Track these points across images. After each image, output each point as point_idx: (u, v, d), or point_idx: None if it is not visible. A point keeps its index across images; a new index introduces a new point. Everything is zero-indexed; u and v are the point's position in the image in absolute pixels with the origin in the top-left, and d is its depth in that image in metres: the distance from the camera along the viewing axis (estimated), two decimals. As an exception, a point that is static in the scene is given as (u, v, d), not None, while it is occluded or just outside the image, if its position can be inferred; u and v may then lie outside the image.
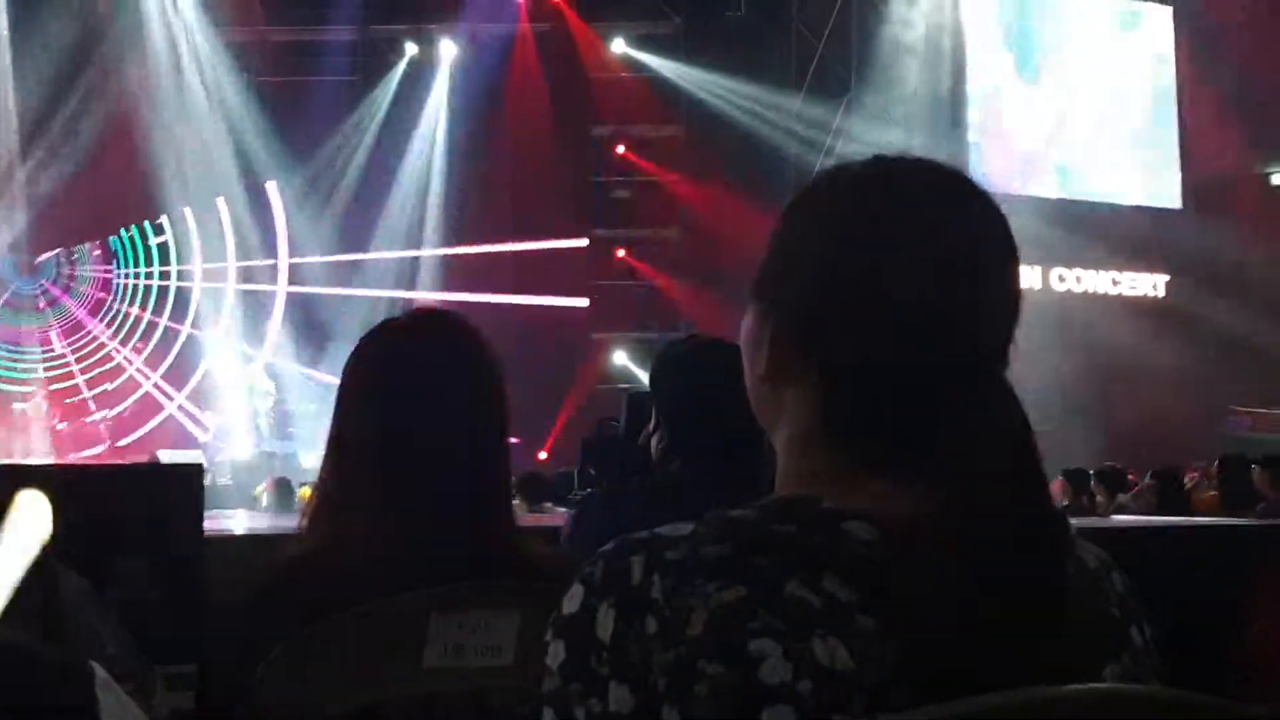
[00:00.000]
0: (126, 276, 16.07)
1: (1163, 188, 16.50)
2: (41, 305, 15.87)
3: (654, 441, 2.30)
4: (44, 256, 15.85)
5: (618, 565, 0.92)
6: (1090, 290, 15.86)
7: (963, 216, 1.00)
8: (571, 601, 0.93)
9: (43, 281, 15.89)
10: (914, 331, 0.96)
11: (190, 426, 15.31)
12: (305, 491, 9.57)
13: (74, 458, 14.14)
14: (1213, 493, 7.65)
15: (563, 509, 6.32)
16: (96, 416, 15.20)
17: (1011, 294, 1.01)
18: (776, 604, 0.88)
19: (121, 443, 14.98)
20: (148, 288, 16.01)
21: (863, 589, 0.89)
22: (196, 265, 15.91)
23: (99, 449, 14.69)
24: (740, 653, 0.86)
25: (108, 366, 15.75)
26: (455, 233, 15.78)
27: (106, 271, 16.06)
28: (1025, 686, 0.85)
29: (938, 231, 0.98)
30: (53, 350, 15.77)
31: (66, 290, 16.03)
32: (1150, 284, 16.05)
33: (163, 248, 15.93)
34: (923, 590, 0.89)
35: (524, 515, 1.69)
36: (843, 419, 0.98)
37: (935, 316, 0.96)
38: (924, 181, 1.02)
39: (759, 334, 1.04)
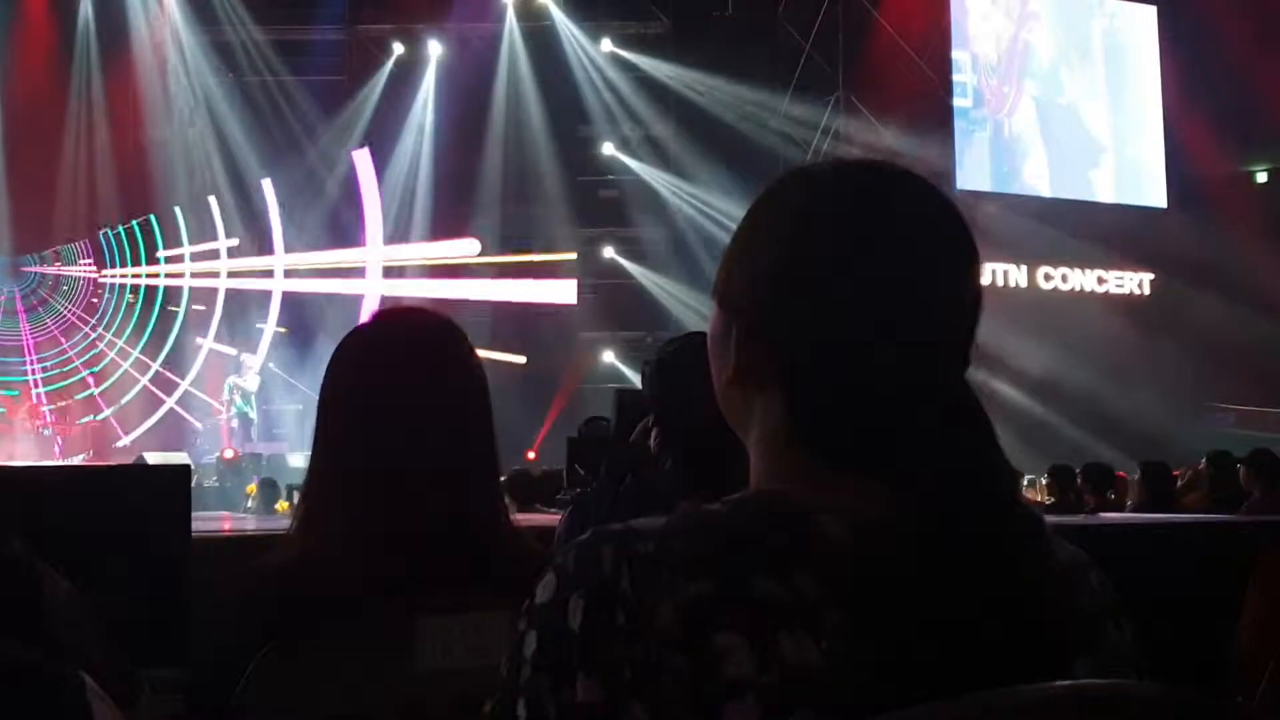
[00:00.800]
0: (115, 276, 16.02)
1: (1148, 186, 16.56)
2: (33, 305, 15.82)
3: (652, 440, 2.30)
4: (29, 257, 15.80)
5: (589, 556, 0.93)
6: (1076, 288, 15.91)
7: (921, 219, 1.01)
8: (544, 590, 0.93)
9: (31, 282, 15.85)
10: (876, 333, 0.97)
11: (188, 420, 15.31)
12: (283, 505, 9.58)
13: (66, 460, 14.09)
14: (1198, 491, 7.67)
15: (552, 509, 6.32)
16: (88, 419, 15.15)
17: (971, 295, 1.02)
18: (744, 599, 0.88)
19: (119, 443, 14.95)
20: (135, 287, 15.96)
21: (832, 585, 0.89)
22: (185, 265, 15.87)
23: (88, 454, 14.65)
24: (705, 646, 0.87)
25: (98, 368, 15.70)
26: (443, 232, 15.75)
27: (95, 271, 16.02)
28: (994, 682, 0.86)
29: (896, 234, 0.99)
30: (44, 353, 15.72)
31: (54, 290, 15.98)
32: (1136, 282, 16.11)
33: (150, 247, 15.88)
34: (892, 586, 0.90)
35: (515, 515, 1.68)
36: (809, 420, 0.99)
37: (896, 318, 0.97)
38: (884, 185, 1.03)
39: (725, 336, 1.04)
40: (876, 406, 0.97)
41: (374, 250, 15.86)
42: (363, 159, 15.82)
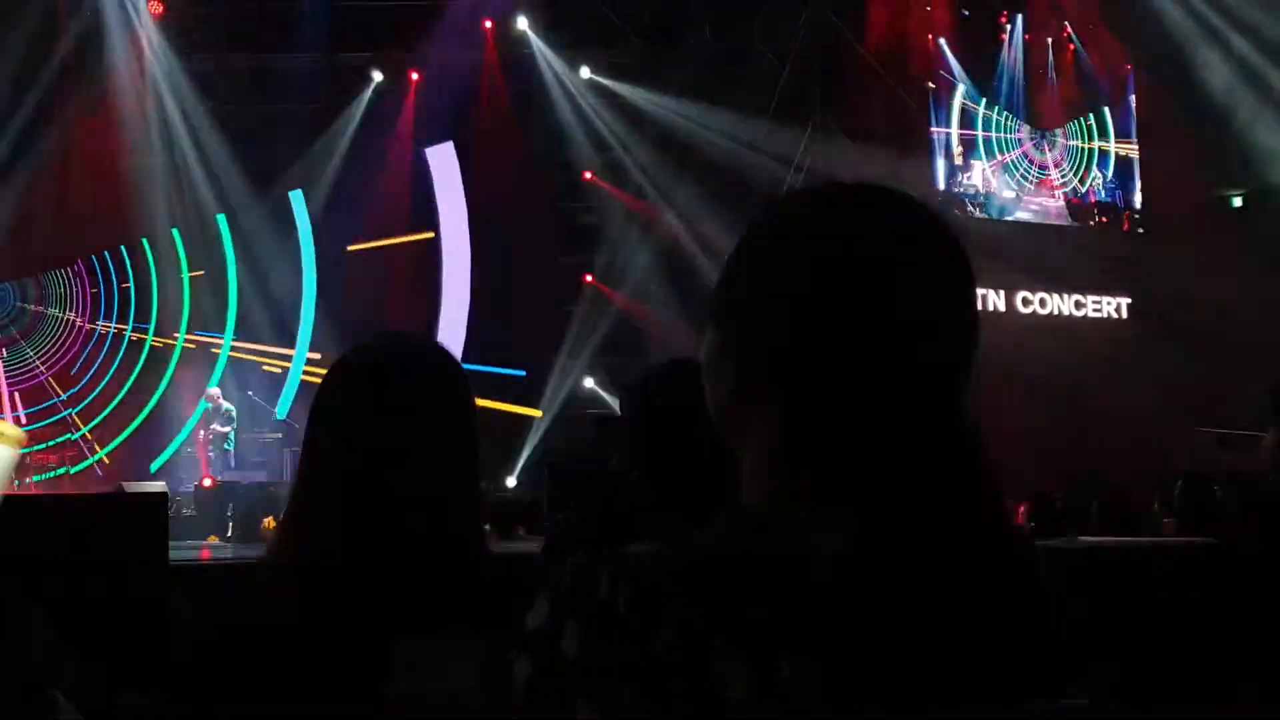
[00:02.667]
0: (82, 305, 16.00)
1: (1124, 210, 16.67)
2: (3, 327, 15.77)
3: (634, 466, 2.29)
4: (5, 286, 15.75)
5: (584, 581, 0.92)
6: (1054, 312, 15.99)
7: (919, 241, 1.02)
8: (537, 616, 0.93)
9: (9, 307, 15.80)
10: (871, 355, 0.97)
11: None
12: (270, 523, 9.56)
13: (49, 477, 14.03)
14: (1169, 519, 7.69)
15: (533, 535, 6.31)
16: (64, 439, 15.07)
17: (968, 315, 1.02)
18: (741, 621, 0.88)
19: (77, 467, 14.86)
20: (106, 314, 15.91)
21: (828, 606, 0.89)
22: (162, 292, 15.82)
23: (76, 468, 14.59)
24: (704, 671, 0.87)
25: (75, 377, 15.65)
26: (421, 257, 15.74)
27: (80, 290, 16.01)
28: (986, 702, 0.86)
29: (892, 256, 1.00)
30: (16, 381, 15.65)
31: (38, 316, 15.93)
32: (1113, 306, 16.20)
33: (122, 279, 15.85)
34: (885, 609, 0.90)
35: (496, 543, 1.69)
36: (806, 441, 0.99)
37: (892, 340, 0.97)
38: (878, 206, 1.03)
39: (720, 358, 1.05)
40: (873, 428, 0.97)
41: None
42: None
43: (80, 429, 15.29)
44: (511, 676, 0.92)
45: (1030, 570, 0.97)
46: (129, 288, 15.84)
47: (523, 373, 15.17)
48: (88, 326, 15.90)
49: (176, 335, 15.78)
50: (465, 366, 1.81)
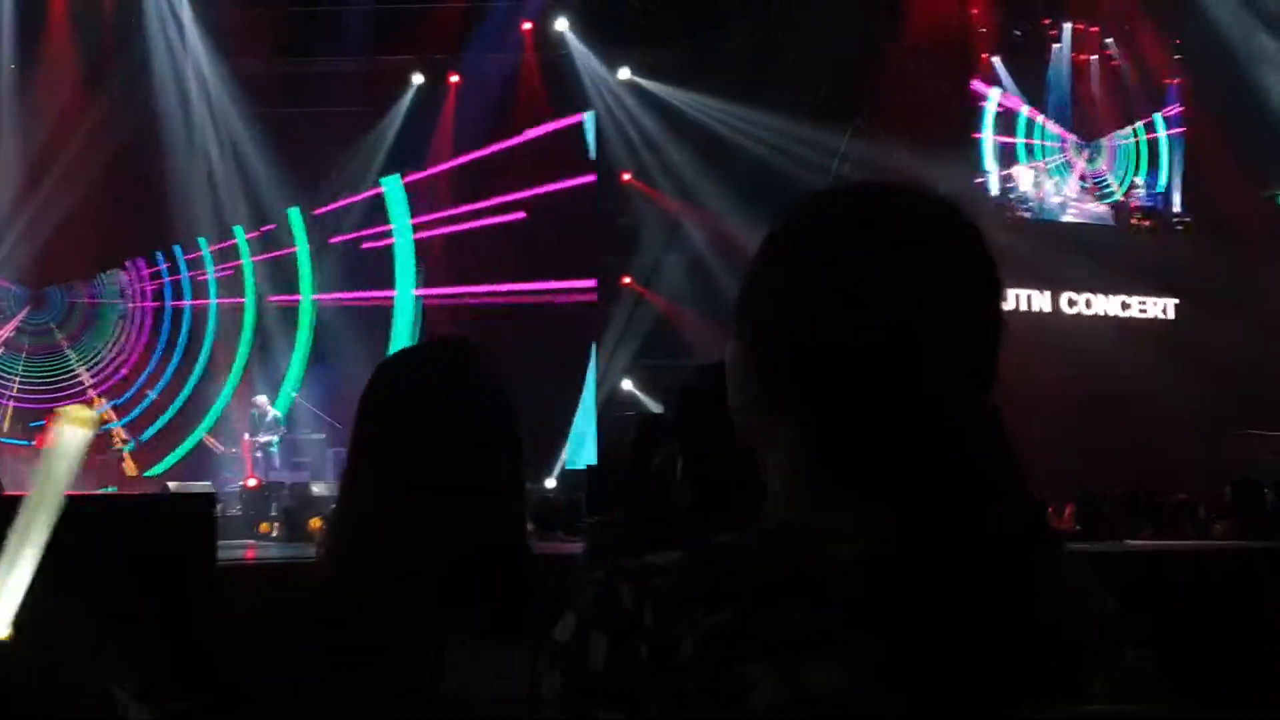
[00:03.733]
0: (141, 303, 16.19)
1: (1170, 212, 16.51)
2: (58, 339, 15.99)
3: (678, 467, 2.29)
4: (53, 289, 15.96)
5: (608, 593, 0.92)
6: (1100, 313, 15.85)
7: (944, 244, 1.01)
8: (563, 630, 0.93)
9: (56, 312, 16.02)
10: (896, 359, 0.96)
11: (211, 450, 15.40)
12: (316, 522, 9.64)
13: (93, 490, 14.16)
14: (1224, 522, 7.62)
15: (573, 537, 6.32)
16: (116, 448, 15.24)
17: (994, 321, 1.01)
18: (766, 628, 0.88)
19: (148, 473, 15.03)
20: (159, 313, 16.10)
21: (852, 610, 0.89)
22: (210, 296, 15.99)
23: (113, 487, 14.74)
24: (730, 678, 0.87)
25: (126, 397, 15.84)
26: (463, 261, 15.81)
27: (119, 301, 16.19)
28: (1012, 703, 0.86)
29: (919, 260, 0.98)
30: (74, 376, 15.88)
31: (74, 307, 16.14)
32: (1160, 308, 16.03)
33: (175, 281, 16.04)
34: (910, 610, 0.89)
35: (537, 544, 1.70)
36: (830, 445, 0.98)
37: (917, 343, 0.96)
38: (906, 209, 1.03)
39: (745, 362, 1.04)
40: (897, 432, 0.96)
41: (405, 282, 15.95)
42: (393, 186, 15.93)
43: (131, 441, 15.49)
44: (543, 689, 0.92)
45: (1060, 573, 0.97)
46: (182, 286, 16.04)
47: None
48: (141, 306, 16.12)
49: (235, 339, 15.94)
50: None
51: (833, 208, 1.05)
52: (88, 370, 15.86)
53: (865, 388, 0.97)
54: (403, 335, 15.60)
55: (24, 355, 15.68)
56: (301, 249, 15.90)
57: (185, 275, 15.98)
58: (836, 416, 0.98)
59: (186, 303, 16.00)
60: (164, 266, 15.99)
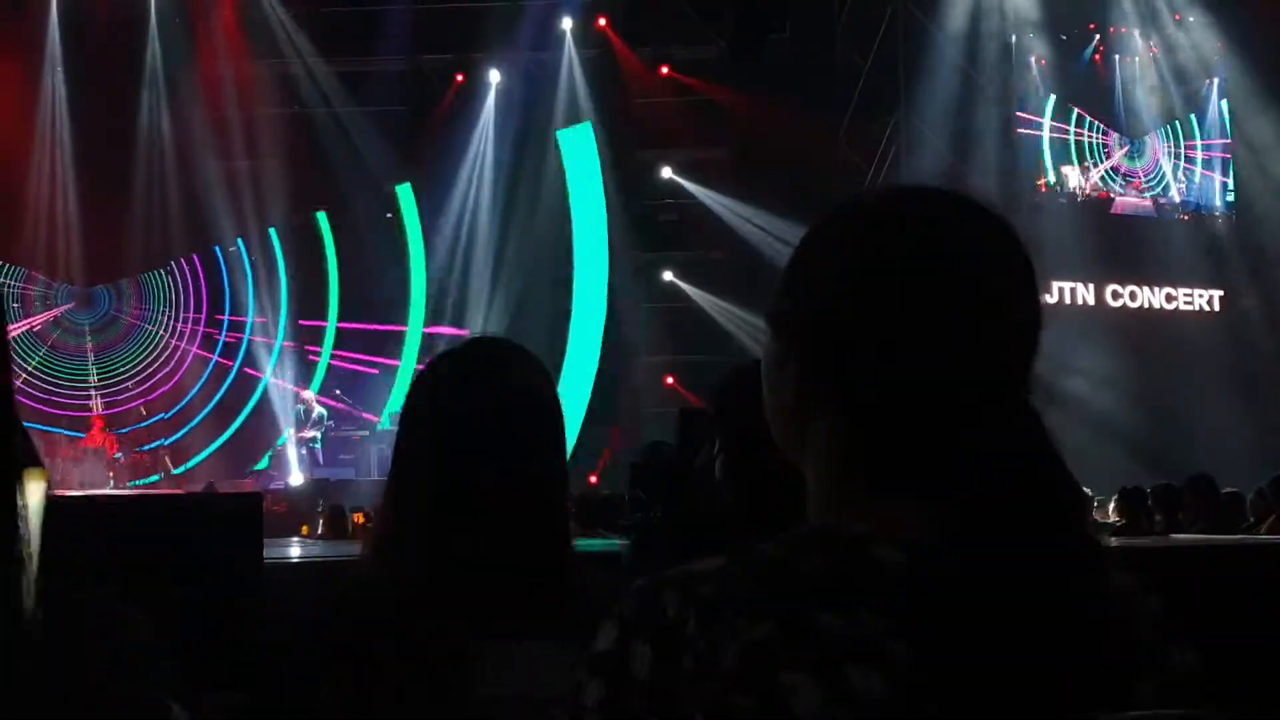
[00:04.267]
0: (179, 308, 16.34)
1: (1217, 202, 16.32)
2: (86, 344, 16.16)
3: (718, 466, 2.29)
4: (102, 288, 16.15)
5: (651, 602, 0.92)
6: (1145, 305, 15.68)
7: (979, 245, 1.01)
8: (605, 639, 0.93)
9: (102, 312, 16.19)
10: (936, 360, 0.96)
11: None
12: (359, 518, 9.69)
13: (132, 487, 14.29)
14: (1269, 517, 7.53)
15: (613, 534, 6.33)
16: (157, 444, 15.38)
17: (1031, 317, 1.01)
18: (808, 635, 0.89)
19: (178, 470, 15.15)
20: (197, 318, 16.25)
21: (895, 615, 0.90)
22: (249, 297, 16.12)
23: (156, 478, 14.87)
24: (772, 685, 0.87)
25: (165, 390, 15.99)
26: (504, 257, 15.86)
27: (143, 309, 16.36)
28: (1058, 707, 0.86)
29: (954, 263, 0.99)
30: (108, 380, 16.04)
31: (115, 320, 16.31)
32: (1205, 299, 15.85)
33: (214, 282, 16.18)
34: (954, 614, 0.89)
35: (577, 538, 1.72)
36: (871, 447, 0.99)
37: (956, 344, 0.97)
38: (940, 210, 1.03)
39: (782, 365, 1.04)
40: (937, 433, 0.97)
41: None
42: (405, 194, 15.96)
43: (171, 436, 15.62)
44: (583, 698, 0.92)
45: (1104, 575, 0.96)
46: (222, 289, 16.16)
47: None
48: (182, 329, 16.22)
49: (273, 337, 16.05)
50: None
51: (868, 210, 1.05)
52: (99, 388, 15.95)
53: (905, 389, 0.97)
54: (414, 344, 15.67)
55: (46, 347, 15.84)
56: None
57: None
58: (877, 418, 0.98)
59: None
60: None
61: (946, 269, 0.98)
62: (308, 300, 16.03)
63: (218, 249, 16.01)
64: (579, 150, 15.75)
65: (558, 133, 15.74)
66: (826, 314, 1.01)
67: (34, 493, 1.00)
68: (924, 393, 0.97)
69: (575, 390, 14.66)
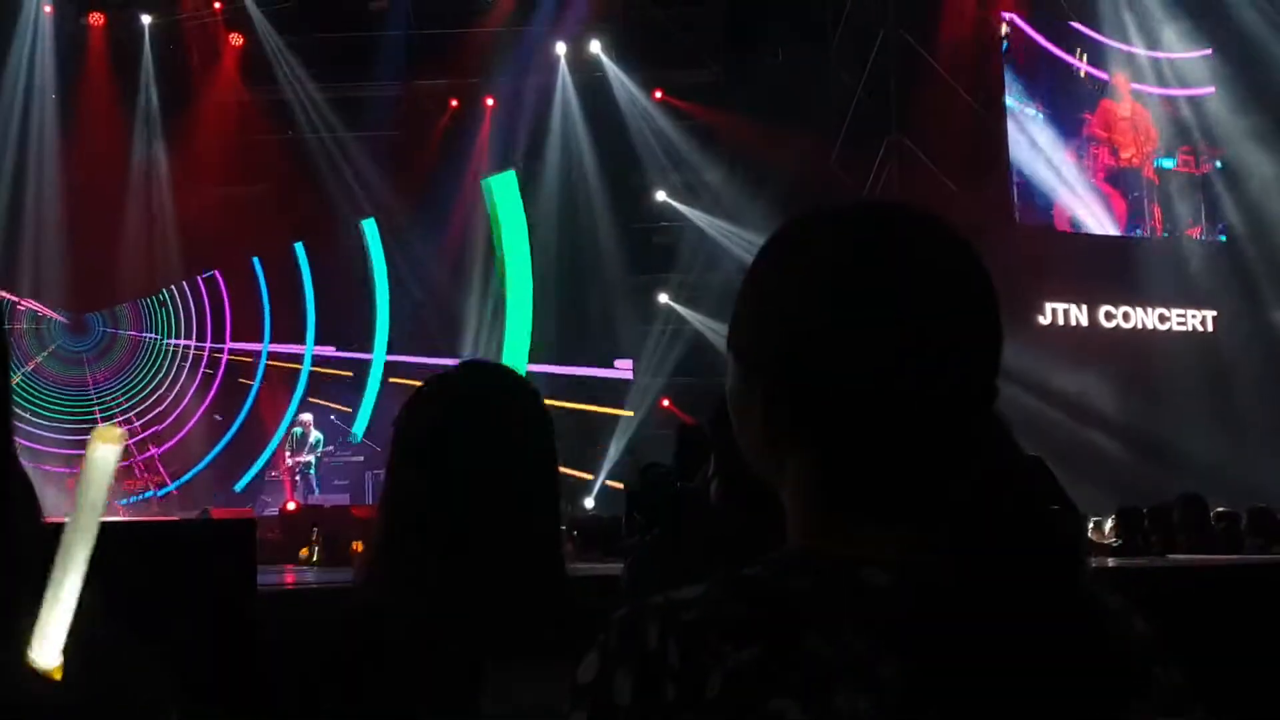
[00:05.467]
0: (167, 334, 16.35)
1: (1209, 223, 16.35)
2: (90, 359, 16.14)
3: (713, 489, 2.28)
4: (96, 315, 16.14)
5: (633, 631, 0.91)
6: (1138, 326, 15.71)
7: (936, 264, 0.99)
8: (587, 670, 0.93)
9: (96, 340, 16.18)
10: (900, 383, 0.95)
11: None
12: (358, 545, 9.65)
13: (128, 503, 14.28)
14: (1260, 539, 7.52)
15: (610, 557, 6.31)
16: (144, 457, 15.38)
17: (992, 337, 1.00)
18: (794, 660, 0.88)
19: (174, 485, 15.15)
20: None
21: (881, 638, 0.89)
22: (244, 315, 16.13)
23: (151, 493, 14.87)
24: (759, 712, 0.86)
25: (158, 411, 15.98)
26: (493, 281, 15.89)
27: (142, 330, 16.36)
28: None
29: (912, 279, 0.97)
30: (107, 406, 16.01)
31: (110, 348, 16.29)
32: (1199, 319, 15.87)
33: (217, 305, 16.18)
34: (943, 635, 0.89)
35: (574, 563, 1.71)
36: (843, 473, 0.97)
37: (919, 367, 0.95)
38: (894, 230, 1.00)
39: (747, 395, 1.02)
40: (910, 456, 0.96)
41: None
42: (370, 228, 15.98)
43: (158, 451, 15.58)
44: None
45: (1085, 593, 0.96)
46: (210, 312, 16.16)
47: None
48: (182, 350, 16.22)
49: (258, 358, 16.05)
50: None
51: (819, 231, 1.02)
52: (103, 411, 15.93)
53: (873, 414, 0.95)
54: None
55: (50, 383, 15.82)
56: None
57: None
58: (848, 445, 0.97)
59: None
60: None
61: (902, 288, 0.96)
62: (297, 324, 16.03)
63: (216, 273, 16.03)
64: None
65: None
66: (784, 341, 0.99)
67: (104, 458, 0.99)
68: (890, 421, 0.95)
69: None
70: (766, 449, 1.02)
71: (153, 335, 16.31)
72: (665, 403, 15.38)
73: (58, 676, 0.95)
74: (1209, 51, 15.86)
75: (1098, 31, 15.96)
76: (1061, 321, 15.03)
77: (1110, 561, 5.61)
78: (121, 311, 16.30)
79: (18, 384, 15.25)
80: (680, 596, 0.93)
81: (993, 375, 1.00)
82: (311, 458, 14.30)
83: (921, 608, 0.90)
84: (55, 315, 15.82)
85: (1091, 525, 8.82)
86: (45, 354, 15.81)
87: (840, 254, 0.99)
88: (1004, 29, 15.47)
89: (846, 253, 0.99)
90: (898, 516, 0.96)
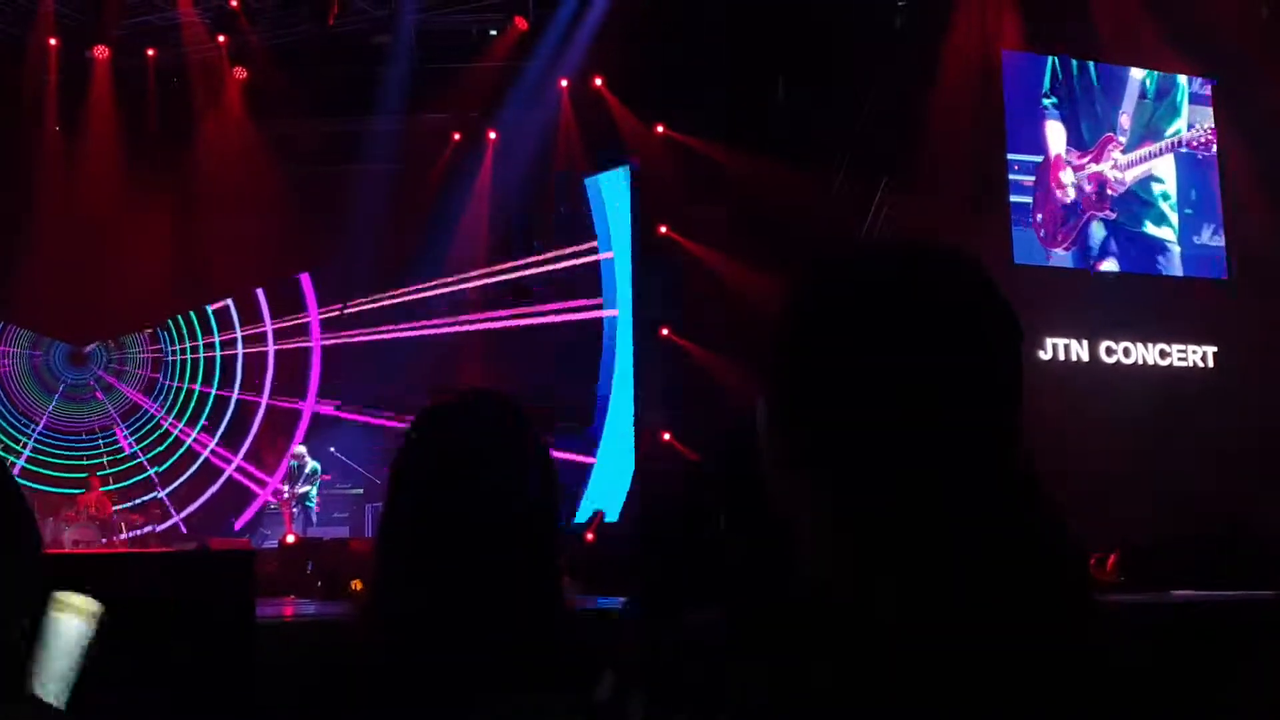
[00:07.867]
0: (175, 354, 16.37)
1: (1208, 258, 16.39)
2: (98, 394, 16.14)
3: (720, 523, 2.28)
4: (91, 346, 16.15)
5: (649, 653, 0.92)
6: (1139, 362, 15.71)
7: (959, 301, 1.00)
8: (604, 689, 0.93)
9: (94, 369, 16.19)
10: (924, 418, 0.96)
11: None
12: (358, 584, 9.62)
13: (136, 535, 14.27)
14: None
15: (613, 593, 6.29)
16: (151, 497, 15.36)
17: (1011, 372, 1.01)
18: (804, 689, 0.88)
19: (183, 514, 15.14)
20: (195, 374, 16.25)
21: (888, 673, 0.89)
22: (239, 349, 16.15)
23: (162, 526, 14.86)
24: None
25: (165, 445, 15.98)
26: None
27: (156, 353, 16.37)
28: None
29: (933, 318, 0.99)
30: (114, 439, 16.02)
31: (119, 376, 16.30)
32: (1199, 355, 15.88)
33: (209, 342, 16.22)
34: (950, 677, 0.88)
35: (575, 598, 1.70)
36: (861, 508, 0.98)
37: (937, 403, 0.96)
38: (919, 267, 1.02)
39: (770, 427, 1.04)
40: (928, 491, 0.96)
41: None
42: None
43: (161, 489, 15.59)
44: None
45: (1089, 628, 0.95)
46: (207, 349, 16.19)
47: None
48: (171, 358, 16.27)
49: (259, 394, 16.06)
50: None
51: (845, 269, 1.05)
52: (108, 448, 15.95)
53: (886, 444, 0.96)
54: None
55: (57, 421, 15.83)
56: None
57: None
58: (865, 478, 0.98)
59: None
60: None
61: (924, 326, 0.98)
62: (296, 364, 16.08)
63: (209, 309, 16.06)
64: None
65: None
66: (808, 373, 1.01)
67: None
68: (907, 449, 0.96)
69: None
70: (786, 478, 1.03)
71: (159, 376, 16.33)
72: (666, 436, 15.36)
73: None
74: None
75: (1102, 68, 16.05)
76: (1062, 357, 15.04)
77: (1114, 598, 5.60)
78: (129, 343, 16.33)
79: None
80: (695, 621, 0.96)
81: (1012, 413, 1.00)
82: (309, 488, 14.28)
83: (923, 646, 0.89)
84: (57, 345, 15.87)
85: (1095, 562, 8.79)
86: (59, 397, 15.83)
87: (861, 290, 1.02)
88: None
89: (866, 289, 1.01)
90: (907, 552, 0.96)
